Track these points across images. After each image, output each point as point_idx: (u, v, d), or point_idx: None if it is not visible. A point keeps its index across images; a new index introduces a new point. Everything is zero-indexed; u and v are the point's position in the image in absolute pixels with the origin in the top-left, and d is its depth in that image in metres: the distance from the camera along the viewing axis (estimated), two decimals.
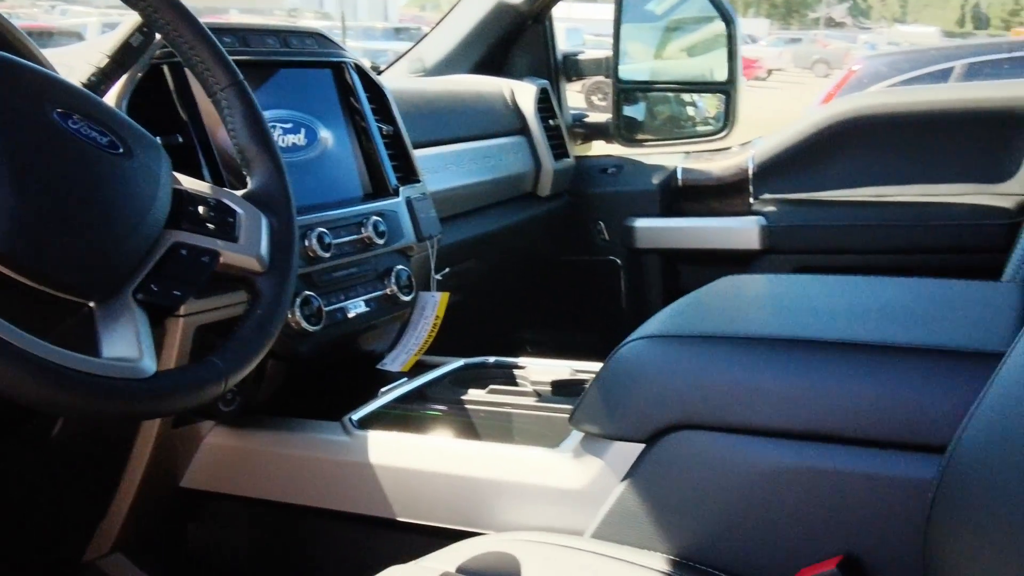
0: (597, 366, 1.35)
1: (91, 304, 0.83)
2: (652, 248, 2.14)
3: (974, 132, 1.91)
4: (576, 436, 1.15)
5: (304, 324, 1.26)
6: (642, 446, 1.04)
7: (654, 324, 1.08)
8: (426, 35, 2.32)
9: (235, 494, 1.32)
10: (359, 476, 1.23)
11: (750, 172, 2.05)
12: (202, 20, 1.02)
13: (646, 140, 2.26)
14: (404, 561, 0.98)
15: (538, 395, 1.38)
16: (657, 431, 1.02)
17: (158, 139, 0.96)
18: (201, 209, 0.95)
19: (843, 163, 1.99)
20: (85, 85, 1.05)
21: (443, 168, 1.79)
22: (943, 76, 6.20)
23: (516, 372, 1.48)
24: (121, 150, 0.88)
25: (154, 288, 0.87)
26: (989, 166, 1.90)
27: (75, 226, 0.82)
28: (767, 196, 2.03)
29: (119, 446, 1.23)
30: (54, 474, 1.21)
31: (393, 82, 1.74)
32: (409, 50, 2.31)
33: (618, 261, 2.18)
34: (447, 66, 2.22)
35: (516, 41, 2.26)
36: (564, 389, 1.38)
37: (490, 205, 1.96)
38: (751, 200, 2.05)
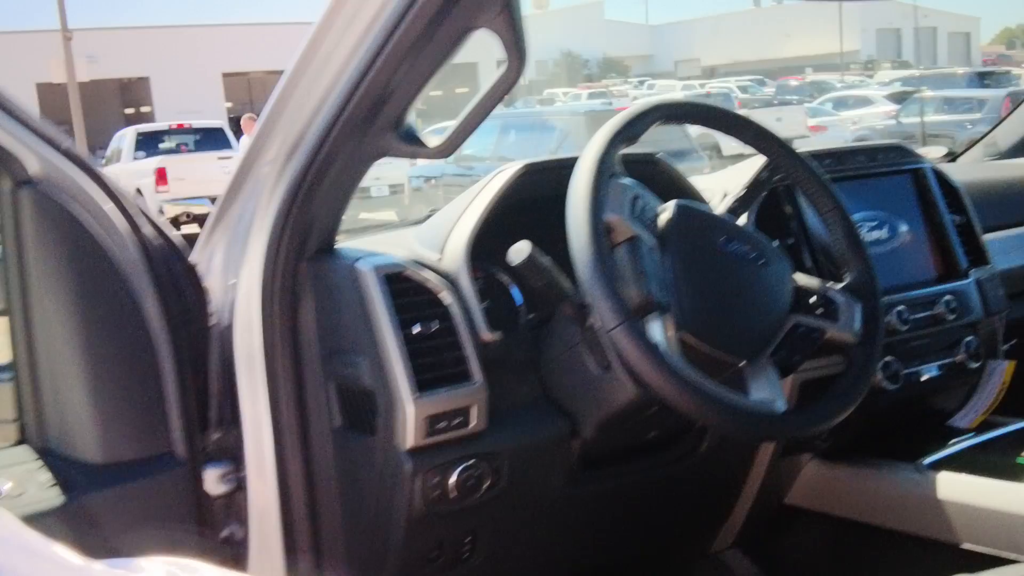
0: None
1: (742, 363, 1.27)
2: None
3: None
4: None
5: (884, 383, 1.60)
6: None
7: None
8: (1003, 119, 2.48)
9: (824, 512, 1.69)
10: (925, 506, 1.52)
11: None
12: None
13: None
14: None
15: None
16: None
17: (776, 242, 1.37)
18: (812, 299, 1.35)
19: None
20: (730, 209, 1.50)
21: (1014, 248, 1.98)
22: None
23: None
24: (762, 261, 1.31)
25: (782, 354, 1.29)
26: None
27: (736, 313, 1.27)
28: None
29: (741, 465, 1.67)
30: (693, 481, 1.69)
31: (968, 170, 1.99)
32: (985, 135, 2.49)
33: None
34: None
35: None
36: None
37: None
38: None
